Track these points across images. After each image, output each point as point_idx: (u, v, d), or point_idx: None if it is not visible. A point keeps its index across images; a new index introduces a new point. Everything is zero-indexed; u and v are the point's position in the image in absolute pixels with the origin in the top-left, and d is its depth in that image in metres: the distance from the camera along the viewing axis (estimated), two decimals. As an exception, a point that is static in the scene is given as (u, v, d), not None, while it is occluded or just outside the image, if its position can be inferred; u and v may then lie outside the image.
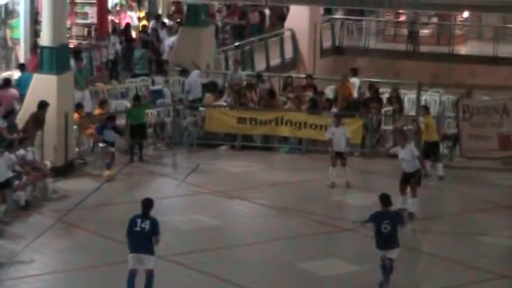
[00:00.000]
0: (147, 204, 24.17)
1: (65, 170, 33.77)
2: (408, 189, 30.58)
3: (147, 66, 42.67)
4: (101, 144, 33.77)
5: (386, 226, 25.71)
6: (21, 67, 37.12)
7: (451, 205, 31.49)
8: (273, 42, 48.72)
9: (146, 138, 36.31)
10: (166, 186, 32.50)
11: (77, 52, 39.03)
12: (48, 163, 32.84)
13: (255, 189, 33.53)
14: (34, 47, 38.80)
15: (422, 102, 37.46)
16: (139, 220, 23.81)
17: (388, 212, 26.22)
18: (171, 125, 38.02)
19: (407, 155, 30.62)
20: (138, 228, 23.80)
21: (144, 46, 44.30)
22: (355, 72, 42.56)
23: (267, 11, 51.20)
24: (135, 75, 41.93)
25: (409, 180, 30.46)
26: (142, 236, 23.72)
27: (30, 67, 36.58)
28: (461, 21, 52.69)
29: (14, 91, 35.64)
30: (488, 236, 29.39)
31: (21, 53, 39.31)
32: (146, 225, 23.75)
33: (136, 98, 37.27)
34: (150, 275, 23.72)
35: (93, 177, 34.00)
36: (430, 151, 34.15)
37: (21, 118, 33.79)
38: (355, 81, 40.86)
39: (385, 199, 26.18)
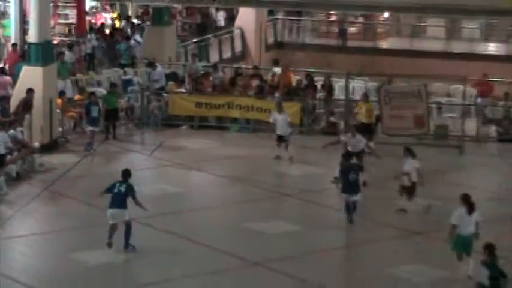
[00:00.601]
0: (125, 173, 25.63)
1: (50, 147, 33.91)
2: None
3: (130, 57, 42.53)
4: (89, 128, 34.00)
5: (353, 175, 27.84)
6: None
7: (375, 174, 31.51)
8: (225, 38, 48.66)
9: (119, 120, 36.40)
10: (136, 159, 32.62)
11: (60, 53, 38.85)
12: (37, 143, 32.83)
13: (211, 162, 33.67)
14: (13, 44, 38.72)
15: (350, 89, 37.65)
16: (118, 184, 25.23)
17: (352, 164, 28.17)
18: (140, 109, 38.12)
19: (357, 141, 31.06)
20: (116, 190, 25.14)
21: (127, 40, 44.41)
22: (276, 62, 42.73)
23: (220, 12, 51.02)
24: (120, 65, 41.92)
25: (352, 156, 30.40)
26: (119, 196, 25.03)
27: (9, 61, 36.32)
28: (383, 20, 52.64)
29: (7, 78, 35.84)
30: (402, 201, 29.35)
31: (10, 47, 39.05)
32: (122, 188, 25.13)
33: (112, 85, 37.52)
34: (128, 224, 25.05)
35: (74, 152, 34.19)
36: (366, 131, 34.22)
37: (12, 103, 33.86)
38: (277, 70, 40.88)
39: (346, 155, 29.16)
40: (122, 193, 25.22)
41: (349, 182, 28.06)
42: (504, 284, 21.26)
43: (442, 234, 24.46)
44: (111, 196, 25.38)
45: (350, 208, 27.99)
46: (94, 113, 34.08)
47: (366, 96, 36.02)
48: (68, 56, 41.58)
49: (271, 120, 33.78)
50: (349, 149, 30.74)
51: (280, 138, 33.01)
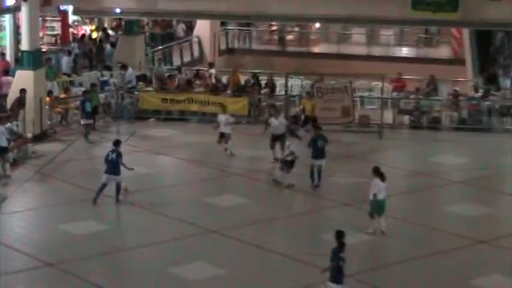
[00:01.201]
0: (116, 142, 27.67)
1: (40, 137, 33.89)
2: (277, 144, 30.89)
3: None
4: (82, 122, 33.95)
5: (321, 142, 28.75)
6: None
7: (307, 154, 31.60)
8: (185, 45, 48.56)
9: (98, 114, 36.09)
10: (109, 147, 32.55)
11: (48, 59, 38.77)
12: (30, 134, 32.86)
13: (174, 148, 33.75)
14: (1, 53, 38.67)
15: (294, 87, 37.87)
16: (110, 153, 26.99)
17: (320, 134, 29.30)
18: (115, 105, 37.95)
19: (280, 124, 31.03)
20: (109, 158, 26.83)
21: (112, 46, 44.50)
22: (211, 65, 42.78)
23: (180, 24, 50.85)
24: (106, 67, 41.84)
25: (278, 139, 30.65)
26: (112, 163, 26.73)
27: None
28: (315, 29, 52.72)
29: (10, 78, 35.57)
30: (334, 177, 29.81)
31: (8, 56, 38.76)
32: (114, 155, 26.85)
33: (92, 85, 37.41)
34: (118, 183, 26.87)
35: (61, 141, 34.15)
36: (309, 121, 34.58)
37: (8, 101, 33.88)
38: (212, 71, 41.16)
39: (316, 127, 30.13)
40: (114, 160, 26.76)
41: (317, 148, 28.77)
42: None
43: (365, 205, 24.92)
44: (106, 163, 26.78)
45: (314, 174, 28.68)
46: (88, 108, 34.00)
47: (310, 95, 36.17)
48: (66, 60, 41.82)
49: (218, 120, 33.18)
50: (272, 131, 31.06)
51: (222, 135, 32.65)
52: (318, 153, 28.77)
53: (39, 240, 24.34)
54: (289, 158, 28.63)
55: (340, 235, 18.97)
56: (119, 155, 26.96)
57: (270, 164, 31.06)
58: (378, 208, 24.52)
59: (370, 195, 24.49)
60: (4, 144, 29.08)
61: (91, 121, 34.49)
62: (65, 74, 41.08)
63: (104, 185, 26.72)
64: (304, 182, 29.15)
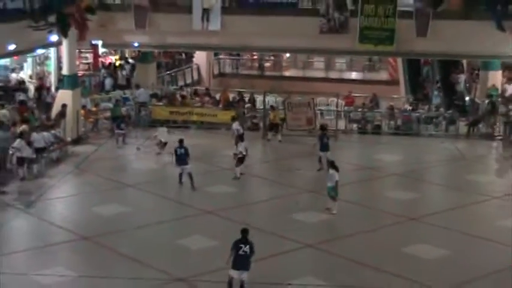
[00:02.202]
0: (181, 140, 28.03)
1: (77, 141, 33.78)
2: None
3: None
4: (116, 131, 33.84)
5: (326, 139, 29.85)
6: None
7: (280, 153, 31.70)
8: (187, 70, 48.43)
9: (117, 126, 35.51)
10: (132, 148, 32.45)
11: (82, 81, 38.76)
12: (69, 138, 32.86)
13: None
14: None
15: (270, 103, 37.77)
16: (178, 149, 27.62)
17: (325, 133, 30.28)
18: (134, 115, 37.78)
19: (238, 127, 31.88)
20: (178, 153, 27.52)
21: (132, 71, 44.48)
22: (195, 92, 42.29)
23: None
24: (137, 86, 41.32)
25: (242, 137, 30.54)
26: (182, 156, 27.37)
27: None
28: (286, 58, 52.69)
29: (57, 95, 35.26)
30: (302, 171, 29.82)
31: (52, 79, 38.67)
32: (182, 150, 27.55)
33: (117, 101, 37.28)
34: (190, 174, 27.10)
35: (92, 144, 33.93)
36: (274, 127, 34.79)
37: (53, 114, 33.82)
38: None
39: (323, 128, 30.97)
40: (183, 153, 27.35)
41: (323, 143, 29.62)
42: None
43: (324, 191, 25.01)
44: (177, 157, 27.33)
45: (321, 161, 29.24)
46: (122, 127, 34.08)
47: (272, 108, 36.09)
48: (109, 81, 42.11)
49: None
50: (235, 133, 31.41)
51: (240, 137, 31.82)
52: (323, 147, 29.52)
53: (77, 219, 24.37)
54: (240, 155, 28.79)
55: (244, 231, 17.98)
56: (187, 150, 27.35)
57: (253, 158, 31.06)
58: (333, 191, 24.79)
59: (331, 183, 24.69)
60: (41, 145, 28.82)
61: (124, 132, 34.09)
62: (107, 91, 41.20)
63: (181, 173, 27.27)
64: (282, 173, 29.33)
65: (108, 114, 36.99)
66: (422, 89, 41.91)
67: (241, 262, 17.34)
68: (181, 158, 27.19)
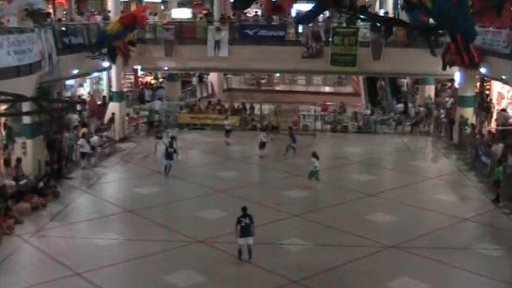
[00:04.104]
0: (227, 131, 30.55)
1: (123, 139, 33.78)
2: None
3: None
4: (157, 141, 31.21)
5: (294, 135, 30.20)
6: (104, 99, 36.48)
7: (273, 147, 31.47)
8: (203, 86, 48.30)
9: (154, 127, 35.30)
10: (163, 144, 32.39)
11: (127, 95, 38.68)
12: (117, 138, 32.87)
13: (197, 144, 33.49)
14: (91, 95, 38.08)
15: (266, 110, 37.99)
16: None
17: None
18: (164, 121, 37.51)
19: (228, 122, 33.52)
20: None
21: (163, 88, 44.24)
22: (209, 103, 41.62)
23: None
24: (159, 99, 40.87)
25: (229, 132, 32.39)
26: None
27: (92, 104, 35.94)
28: (276, 76, 52.48)
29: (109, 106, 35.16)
30: (289, 159, 29.62)
31: (104, 94, 38.59)
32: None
33: (151, 111, 37.08)
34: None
35: (134, 142, 33.85)
36: (274, 129, 34.76)
37: (105, 120, 33.80)
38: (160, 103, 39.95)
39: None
40: (171, 152, 27.01)
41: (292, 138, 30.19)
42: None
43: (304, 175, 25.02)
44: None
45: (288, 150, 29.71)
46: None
47: (275, 114, 36.05)
48: (148, 93, 42.19)
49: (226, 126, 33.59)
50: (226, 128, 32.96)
51: (227, 132, 33.00)
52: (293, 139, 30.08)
53: (123, 197, 24.44)
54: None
55: (243, 209, 17.80)
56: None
57: (253, 151, 31.12)
58: (315, 174, 24.84)
59: (312, 167, 24.77)
60: (87, 150, 28.15)
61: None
62: (148, 101, 40.99)
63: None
64: (275, 162, 29.34)
65: (145, 120, 37.01)
66: (378, 101, 41.79)
67: (244, 231, 17.44)
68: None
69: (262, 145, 30.23)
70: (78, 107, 32.83)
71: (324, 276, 16.99)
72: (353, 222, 21.21)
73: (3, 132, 27.10)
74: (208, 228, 20.48)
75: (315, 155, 25.23)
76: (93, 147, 28.86)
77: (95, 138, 29.80)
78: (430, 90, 40.28)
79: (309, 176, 25.04)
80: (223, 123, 35.13)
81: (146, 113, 37.63)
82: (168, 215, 22.30)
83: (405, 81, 43.25)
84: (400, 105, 39.03)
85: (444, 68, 31.02)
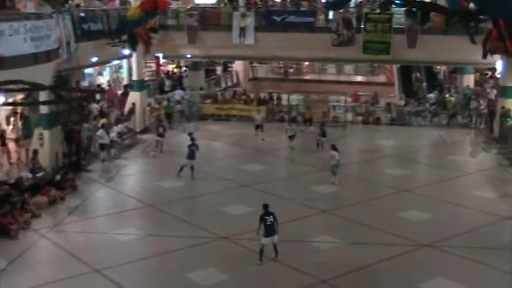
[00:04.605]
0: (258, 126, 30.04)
1: (144, 131, 33.87)
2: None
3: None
4: (156, 138, 30.03)
5: (324, 129, 29.87)
6: (126, 88, 36.66)
7: (301, 140, 31.37)
8: (228, 75, 48.38)
9: (172, 118, 35.61)
10: (186, 136, 32.15)
11: (148, 84, 38.78)
12: (138, 129, 32.98)
13: (222, 136, 33.59)
14: (108, 85, 38.40)
15: (293, 101, 37.79)
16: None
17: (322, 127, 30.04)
18: (187, 111, 37.70)
19: (259, 117, 32.72)
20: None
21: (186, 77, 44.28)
22: (235, 93, 42.24)
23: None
24: (182, 89, 41.10)
25: (260, 126, 32.06)
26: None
27: (110, 94, 36.16)
28: (305, 65, 52.25)
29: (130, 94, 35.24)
30: (318, 153, 29.51)
31: (126, 83, 38.86)
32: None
33: (168, 101, 37.00)
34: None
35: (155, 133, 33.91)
36: (308, 121, 34.51)
37: (125, 110, 33.99)
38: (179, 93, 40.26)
39: (322, 123, 30.88)
40: (193, 150, 25.69)
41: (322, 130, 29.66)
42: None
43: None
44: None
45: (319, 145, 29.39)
46: (161, 130, 30.91)
47: (309, 107, 35.89)
48: (168, 82, 41.97)
49: (255, 117, 33.14)
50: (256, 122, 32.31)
51: (258, 126, 32.38)
52: (322, 132, 29.54)
53: (144, 191, 24.58)
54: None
55: (265, 206, 17.66)
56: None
57: (280, 144, 31.13)
58: (335, 168, 24.75)
59: (333, 161, 24.65)
60: (106, 141, 28.37)
61: (163, 140, 30.94)
62: (167, 90, 41.01)
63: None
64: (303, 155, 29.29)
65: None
66: (413, 91, 41.41)
67: (270, 230, 17.31)
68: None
69: (291, 137, 30.25)
70: (98, 97, 33.11)
71: (354, 276, 16.94)
72: (385, 219, 21.10)
73: (20, 123, 27.52)
74: (232, 224, 20.50)
75: (334, 148, 25.07)
76: (119, 135, 29.79)
77: (119, 127, 30.32)
78: (469, 79, 39.91)
79: (332, 172, 24.85)
80: (249, 114, 35.17)
81: (165, 102, 37.82)
82: (191, 209, 22.41)
83: (442, 68, 42.89)
84: (432, 95, 38.66)
85: (485, 57, 30.55)
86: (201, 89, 40.61)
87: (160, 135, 29.95)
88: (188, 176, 25.83)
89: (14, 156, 26.18)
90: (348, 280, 16.68)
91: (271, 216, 17.37)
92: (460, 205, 22.67)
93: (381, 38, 34.56)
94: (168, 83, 42.06)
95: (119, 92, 37.62)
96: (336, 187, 24.53)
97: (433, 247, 18.84)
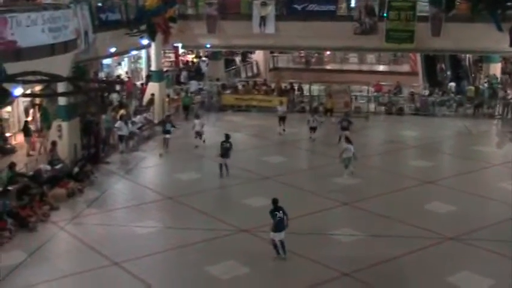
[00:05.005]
0: (227, 136, 25.10)
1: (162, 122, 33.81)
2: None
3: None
4: (166, 136, 28.78)
5: (346, 122, 28.98)
6: (148, 78, 36.76)
7: (323, 131, 31.28)
8: (248, 66, 48.34)
9: (190, 110, 35.15)
10: (206, 127, 32.32)
11: (167, 75, 38.81)
12: (156, 120, 32.96)
13: (243, 127, 33.42)
14: (128, 77, 38.09)
15: (315, 91, 37.65)
16: (224, 143, 24.73)
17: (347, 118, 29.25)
18: (207, 102, 37.78)
19: (283, 108, 32.19)
20: (224, 146, 24.67)
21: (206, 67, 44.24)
22: (255, 83, 42.03)
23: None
24: (198, 79, 41.12)
25: (284, 119, 31.56)
26: (226, 149, 24.52)
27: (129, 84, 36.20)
28: (327, 54, 52.14)
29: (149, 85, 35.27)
30: (338, 144, 29.58)
31: (143, 74, 39.02)
32: (228, 144, 24.77)
33: (186, 92, 37.05)
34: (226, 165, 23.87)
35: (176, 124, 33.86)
36: (329, 111, 34.27)
37: (144, 101, 34.06)
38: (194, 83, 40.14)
39: (346, 113, 30.04)
40: (227, 147, 24.57)
41: (341, 127, 28.67)
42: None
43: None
44: (222, 150, 24.54)
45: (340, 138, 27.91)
46: (168, 127, 29.37)
47: (330, 96, 35.74)
48: (184, 74, 41.70)
49: (278, 108, 32.65)
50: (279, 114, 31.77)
51: (281, 118, 31.92)
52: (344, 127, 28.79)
53: (163, 183, 24.66)
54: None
55: (274, 201, 17.49)
56: (231, 145, 24.72)
57: (301, 135, 31.01)
58: (347, 161, 24.42)
59: (348, 154, 24.32)
60: (125, 133, 28.43)
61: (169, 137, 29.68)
62: (183, 82, 40.89)
63: (221, 166, 24.66)
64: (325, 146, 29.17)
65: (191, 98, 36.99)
66: (438, 81, 41.06)
67: (279, 225, 17.10)
68: (226, 152, 24.20)
69: (313, 129, 30.08)
70: (118, 87, 33.23)
71: (377, 269, 16.85)
72: (409, 212, 20.97)
73: (38, 115, 27.69)
74: (253, 216, 20.41)
75: (349, 141, 24.80)
76: (139, 127, 29.92)
77: (138, 118, 30.48)
78: (496, 68, 39.50)
79: (345, 166, 24.44)
80: (270, 105, 35.08)
81: (183, 94, 37.85)
82: (210, 202, 22.40)
83: (467, 57, 42.41)
84: (452, 84, 38.35)
85: (512, 45, 30.32)
86: (217, 80, 40.63)
87: (167, 132, 28.82)
88: (207, 167, 25.85)
89: (38, 146, 26.31)
90: (371, 273, 16.60)
91: (281, 212, 17.23)
92: (485, 197, 22.48)
93: (405, 26, 34.35)
94: (184, 74, 42.05)
95: (139, 83, 37.75)
96: (358, 179, 24.37)
97: (458, 240, 18.71)
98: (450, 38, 33.97)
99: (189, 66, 45.03)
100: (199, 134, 28.80)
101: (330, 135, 30.36)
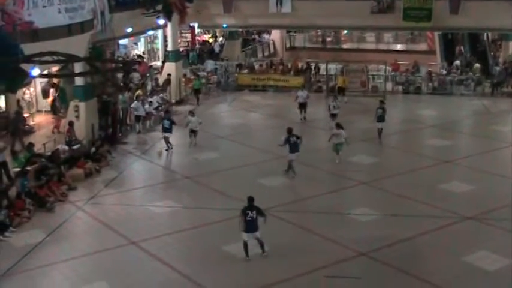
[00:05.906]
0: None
1: (179, 102, 34.00)
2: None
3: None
4: (165, 134, 25.64)
5: (381, 111, 26.81)
6: (164, 59, 36.72)
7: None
8: (265, 45, 48.18)
9: (200, 94, 34.51)
10: (222, 107, 32.44)
11: (183, 55, 38.65)
12: (173, 100, 33.02)
13: (259, 107, 33.38)
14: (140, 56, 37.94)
15: (332, 70, 37.23)
16: None
17: (383, 106, 26.99)
18: (223, 81, 37.76)
19: (304, 94, 30.60)
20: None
21: (221, 47, 43.92)
22: (272, 62, 41.77)
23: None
24: (218, 58, 41.12)
25: (304, 106, 30.18)
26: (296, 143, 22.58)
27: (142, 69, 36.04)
28: (344, 33, 51.77)
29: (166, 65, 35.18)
30: (356, 123, 29.25)
31: (160, 54, 39.02)
32: None
33: (196, 75, 36.76)
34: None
35: (191, 104, 33.54)
36: (341, 90, 33.83)
37: (160, 81, 34.07)
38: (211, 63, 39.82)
39: (381, 101, 27.88)
40: (295, 142, 22.42)
41: (379, 115, 26.62)
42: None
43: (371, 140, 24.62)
44: (290, 145, 22.55)
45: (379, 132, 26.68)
46: (166, 124, 25.91)
47: (342, 72, 35.64)
48: (192, 54, 40.84)
49: (298, 94, 30.77)
50: (300, 100, 30.35)
51: (301, 105, 30.47)
52: (379, 119, 26.80)
53: (180, 163, 24.77)
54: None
55: (250, 199, 16.39)
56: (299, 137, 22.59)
57: (318, 115, 30.88)
58: (339, 147, 23.83)
59: (339, 140, 23.74)
60: (142, 113, 28.40)
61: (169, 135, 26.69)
62: (191, 62, 40.48)
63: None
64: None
65: (203, 81, 36.84)
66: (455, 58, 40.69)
67: (250, 226, 16.07)
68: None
69: (334, 115, 28.68)
70: (137, 67, 33.31)
71: (395, 249, 16.83)
72: (426, 191, 20.90)
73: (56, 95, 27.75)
74: (270, 196, 20.41)
75: (339, 126, 24.02)
76: (156, 107, 29.75)
77: (154, 98, 30.46)
78: (515, 47, 39.16)
79: (336, 151, 23.83)
80: (286, 84, 34.95)
81: (205, 73, 37.71)
82: (228, 182, 22.39)
83: (485, 35, 41.88)
84: (457, 62, 37.98)
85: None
86: (227, 59, 40.34)
87: (166, 130, 25.64)
88: (225, 147, 25.85)
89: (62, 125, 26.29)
90: (388, 253, 16.58)
91: (253, 212, 16.10)
92: (504, 176, 22.29)
93: (422, 4, 34.09)
94: (192, 54, 41.23)
95: (158, 63, 37.77)
96: (376, 158, 24.31)
97: (476, 220, 18.63)
98: (469, 16, 33.68)
99: (205, 46, 44.91)
100: (193, 132, 26.27)
101: (345, 115, 30.20)
